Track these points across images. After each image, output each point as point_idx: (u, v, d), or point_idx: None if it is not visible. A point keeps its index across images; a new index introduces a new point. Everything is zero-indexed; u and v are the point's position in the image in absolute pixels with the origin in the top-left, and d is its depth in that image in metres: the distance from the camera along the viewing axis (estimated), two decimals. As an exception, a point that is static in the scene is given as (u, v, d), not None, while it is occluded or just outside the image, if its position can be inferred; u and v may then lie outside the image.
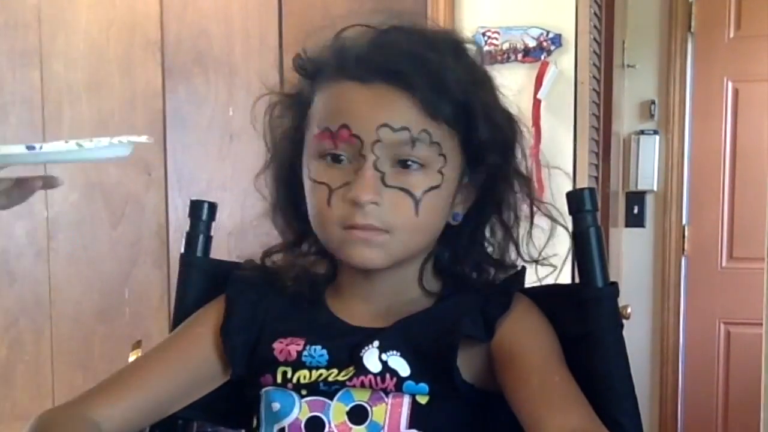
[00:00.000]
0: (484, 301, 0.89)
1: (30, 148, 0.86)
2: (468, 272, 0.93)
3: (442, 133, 0.84)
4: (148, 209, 2.58)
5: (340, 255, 0.88)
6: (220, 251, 1.07)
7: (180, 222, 2.52)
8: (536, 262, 0.94)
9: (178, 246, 1.06)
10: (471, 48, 0.91)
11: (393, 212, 0.84)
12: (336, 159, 0.85)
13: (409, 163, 0.84)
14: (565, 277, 0.98)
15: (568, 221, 0.93)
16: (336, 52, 0.87)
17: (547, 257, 0.94)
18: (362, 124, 0.83)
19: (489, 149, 0.87)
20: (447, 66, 0.84)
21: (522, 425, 0.82)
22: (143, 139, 0.94)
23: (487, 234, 0.94)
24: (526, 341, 0.87)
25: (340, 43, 0.88)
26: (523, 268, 0.94)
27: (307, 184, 0.88)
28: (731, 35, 3.37)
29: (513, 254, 0.94)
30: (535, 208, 0.93)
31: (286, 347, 0.90)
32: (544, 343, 0.87)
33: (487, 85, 0.89)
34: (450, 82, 0.83)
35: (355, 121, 0.84)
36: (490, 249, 0.94)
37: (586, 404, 0.82)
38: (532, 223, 0.93)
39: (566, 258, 0.93)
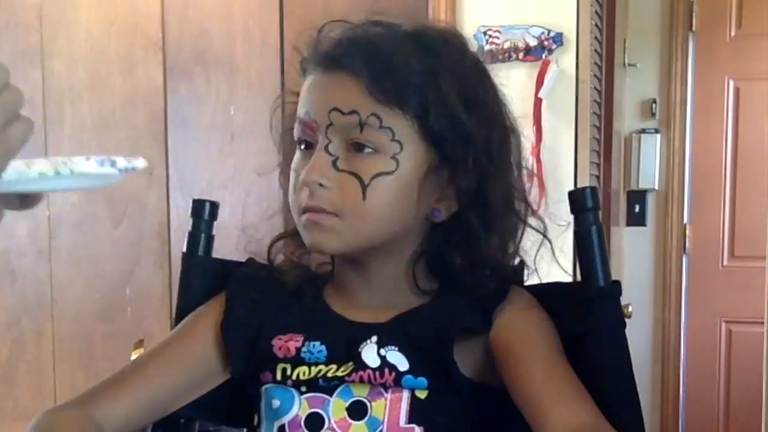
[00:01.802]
0: (480, 296, 0.89)
1: None
2: (462, 272, 0.92)
3: (397, 120, 0.85)
4: (149, 208, 2.58)
5: (303, 240, 0.90)
6: (223, 250, 1.07)
7: (181, 221, 2.52)
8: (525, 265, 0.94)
9: (179, 245, 1.06)
10: (459, 42, 0.91)
11: (340, 195, 0.85)
12: (308, 146, 0.88)
13: (361, 146, 0.85)
14: (560, 276, 0.97)
15: (569, 220, 0.93)
16: (312, 47, 0.90)
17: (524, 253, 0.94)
18: (317, 108, 0.86)
19: (445, 140, 0.86)
20: (402, 53, 0.85)
21: (526, 417, 0.82)
22: (138, 164, 0.87)
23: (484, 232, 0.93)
24: (527, 333, 0.87)
25: (318, 39, 0.90)
26: (521, 263, 0.94)
27: (291, 173, 0.90)
28: (732, 34, 3.36)
29: (506, 253, 0.94)
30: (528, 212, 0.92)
31: (285, 343, 0.90)
32: (544, 336, 0.88)
33: (456, 75, 0.87)
34: (401, 68, 0.84)
35: (313, 107, 0.87)
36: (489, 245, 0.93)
37: (589, 399, 0.83)
38: (511, 225, 0.92)
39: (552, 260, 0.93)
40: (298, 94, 0.93)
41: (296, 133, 0.89)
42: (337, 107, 0.85)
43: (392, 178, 0.85)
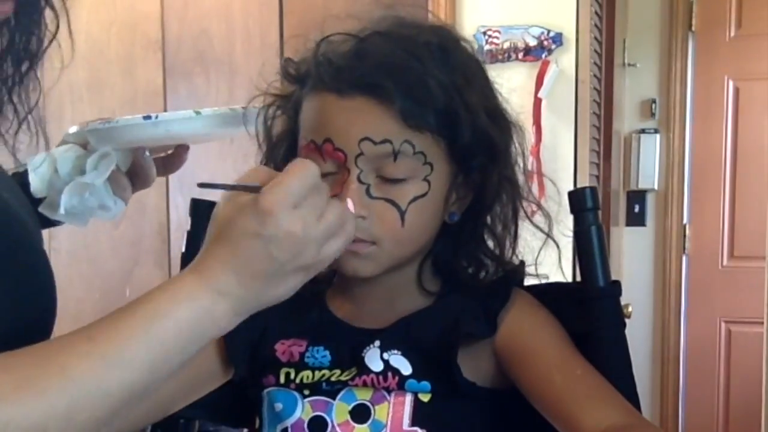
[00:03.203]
0: (483, 296, 0.89)
1: (147, 117, 0.88)
2: (467, 269, 0.93)
3: (426, 141, 0.83)
4: (149, 208, 2.58)
5: (333, 265, 0.88)
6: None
7: (181, 221, 2.52)
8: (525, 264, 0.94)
9: (179, 245, 1.06)
10: (460, 44, 0.89)
11: (379, 224, 0.83)
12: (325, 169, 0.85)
13: (394, 174, 0.83)
14: (560, 277, 0.98)
15: (569, 220, 0.93)
16: (315, 62, 0.86)
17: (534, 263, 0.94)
18: (344, 138, 0.82)
19: (474, 153, 0.86)
20: (428, 74, 0.82)
21: (554, 424, 0.81)
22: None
23: (487, 231, 0.94)
24: (536, 337, 0.87)
25: (319, 54, 0.86)
26: (522, 263, 0.94)
27: None
28: (732, 34, 3.36)
29: (510, 252, 0.94)
30: (528, 210, 0.92)
31: (289, 348, 0.90)
32: (554, 337, 0.87)
33: (473, 85, 0.86)
34: (431, 91, 0.82)
35: (337, 136, 0.83)
36: (490, 245, 0.94)
37: (615, 393, 0.82)
38: (516, 225, 0.91)
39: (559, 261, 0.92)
40: (277, 96, 0.91)
41: (308, 156, 0.84)
42: (369, 137, 0.81)
43: (426, 200, 0.84)
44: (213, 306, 0.70)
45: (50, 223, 1.08)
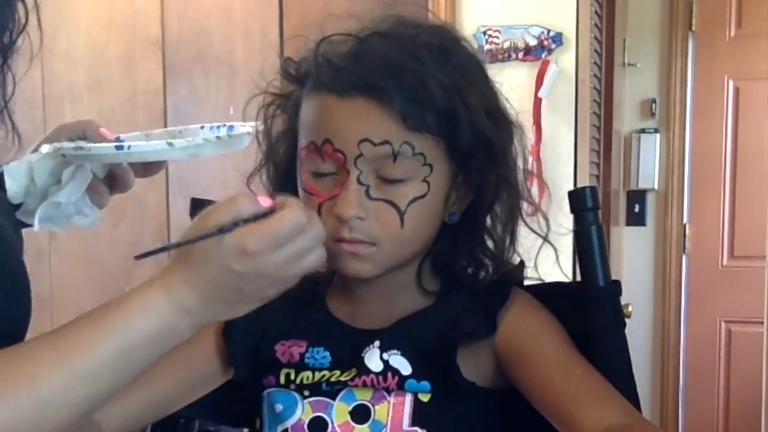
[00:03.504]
0: (483, 296, 0.89)
1: (119, 148, 0.88)
2: (466, 269, 0.93)
3: (426, 142, 0.83)
4: (149, 208, 2.58)
5: (333, 266, 0.89)
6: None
7: (181, 221, 2.52)
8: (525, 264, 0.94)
9: (179, 245, 1.06)
10: (461, 44, 0.89)
11: (378, 225, 0.84)
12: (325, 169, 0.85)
13: (394, 175, 0.83)
14: (560, 277, 0.98)
15: (569, 219, 0.93)
16: (315, 63, 0.86)
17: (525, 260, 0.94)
18: (344, 139, 0.83)
19: (473, 153, 0.86)
20: (428, 74, 0.82)
21: (554, 425, 0.82)
22: (246, 129, 0.89)
23: (487, 231, 0.94)
24: (535, 337, 0.87)
25: (319, 54, 0.86)
26: (522, 263, 0.94)
27: (300, 192, 0.88)
28: (732, 34, 3.36)
29: (509, 252, 0.94)
30: (529, 210, 0.92)
31: (289, 349, 0.90)
32: (554, 337, 0.87)
33: (473, 85, 0.86)
34: (431, 92, 0.82)
35: (337, 137, 0.83)
36: (490, 244, 0.93)
37: (615, 393, 0.82)
38: (516, 225, 0.91)
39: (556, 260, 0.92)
40: (277, 95, 0.91)
41: (308, 156, 0.86)
42: (368, 138, 0.82)
43: (425, 201, 0.85)
44: (178, 322, 0.72)
45: (28, 224, 1.08)
